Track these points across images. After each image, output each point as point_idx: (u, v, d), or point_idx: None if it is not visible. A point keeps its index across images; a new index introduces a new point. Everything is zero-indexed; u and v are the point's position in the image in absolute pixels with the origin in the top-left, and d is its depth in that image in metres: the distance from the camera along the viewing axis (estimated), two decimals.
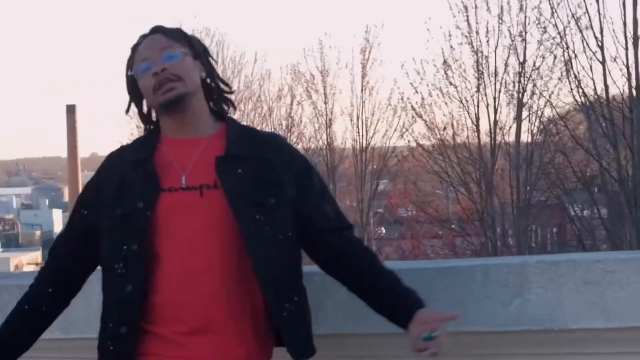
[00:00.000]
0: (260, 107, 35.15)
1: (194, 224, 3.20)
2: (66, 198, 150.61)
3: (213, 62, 3.45)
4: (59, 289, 3.41)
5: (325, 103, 34.54)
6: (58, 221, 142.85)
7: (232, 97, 3.50)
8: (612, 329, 3.45)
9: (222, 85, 3.44)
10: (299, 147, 34.50)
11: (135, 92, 3.40)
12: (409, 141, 31.87)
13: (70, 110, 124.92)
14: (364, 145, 35.14)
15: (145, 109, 3.45)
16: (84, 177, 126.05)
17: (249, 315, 3.23)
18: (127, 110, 3.49)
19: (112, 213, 3.27)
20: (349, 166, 36.80)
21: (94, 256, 3.34)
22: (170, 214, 3.22)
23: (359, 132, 34.71)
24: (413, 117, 30.52)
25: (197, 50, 3.39)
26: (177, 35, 3.37)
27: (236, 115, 35.08)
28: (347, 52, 51.70)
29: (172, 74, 3.25)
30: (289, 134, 34.02)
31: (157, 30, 3.40)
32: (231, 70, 35.98)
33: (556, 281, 3.44)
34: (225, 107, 3.44)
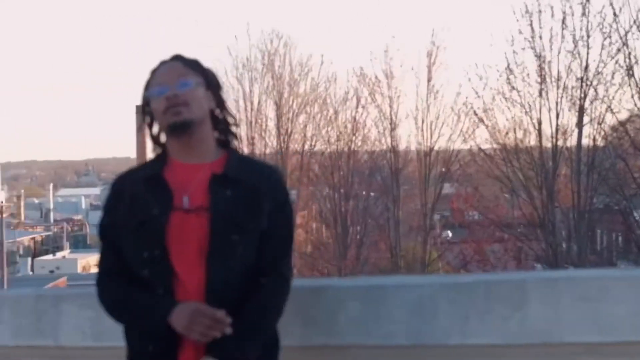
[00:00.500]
0: (326, 109, 35.29)
1: (188, 244, 3.40)
2: None
3: (224, 95, 3.64)
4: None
5: (390, 106, 34.62)
6: None
7: (237, 130, 3.69)
8: (607, 344, 3.63)
9: (229, 118, 3.62)
10: (363, 149, 34.74)
11: (148, 113, 3.60)
12: (471, 146, 31.91)
13: (139, 111, 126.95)
14: (428, 148, 35.17)
15: (155, 130, 3.62)
16: None
17: None
18: (139, 128, 3.67)
19: (128, 225, 3.46)
20: (413, 169, 36.86)
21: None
22: (174, 231, 3.41)
23: (423, 136, 34.76)
24: (475, 122, 30.53)
25: (211, 82, 3.58)
26: (193, 65, 3.57)
27: (302, 118, 35.43)
28: (413, 56, 51.64)
29: (182, 100, 3.45)
30: (353, 137, 34.14)
31: (177, 58, 3.60)
32: (298, 73, 36.10)
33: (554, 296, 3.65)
34: (230, 138, 3.61)
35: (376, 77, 33.83)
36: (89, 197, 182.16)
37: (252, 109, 35.67)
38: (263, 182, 3.50)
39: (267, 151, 35.88)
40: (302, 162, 35.18)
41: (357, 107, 33.97)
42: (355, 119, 33.87)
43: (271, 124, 35.72)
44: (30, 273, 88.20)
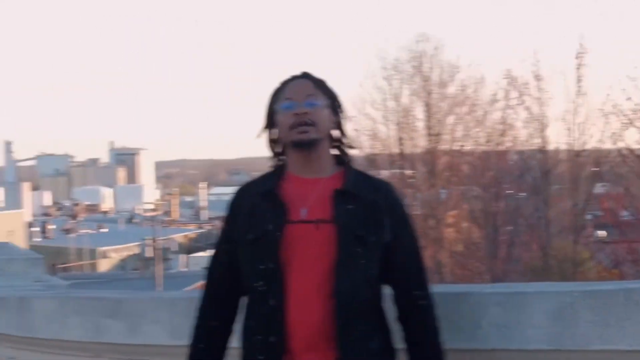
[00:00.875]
0: (475, 111, 35.34)
1: (309, 254, 3.58)
2: None
3: (345, 117, 3.83)
4: (222, 322, 3.82)
5: (539, 107, 34.48)
6: None
7: (353, 150, 3.86)
8: None
9: (347, 139, 3.82)
10: (513, 150, 34.61)
11: (271, 122, 3.80)
12: (620, 147, 31.49)
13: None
14: (579, 149, 34.87)
15: (273, 138, 3.83)
16: None
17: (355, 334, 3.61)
18: (259, 135, 3.86)
19: (245, 238, 3.66)
20: (563, 170, 36.58)
21: (241, 283, 3.75)
22: (291, 242, 3.59)
23: (572, 137, 34.50)
24: (625, 123, 30.13)
25: (335, 104, 3.79)
26: (322, 86, 3.78)
27: (451, 119, 35.54)
28: (562, 57, 51.00)
29: (310, 119, 3.66)
30: (502, 138, 34.09)
31: (307, 76, 3.80)
32: (447, 74, 36.25)
33: None
34: (346, 155, 3.82)
35: (525, 79, 33.73)
36: None
37: (400, 109, 35.97)
38: (381, 197, 3.68)
39: (417, 151, 36.17)
40: (451, 162, 35.36)
41: (506, 108, 33.95)
42: (504, 120, 33.84)
43: (420, 125, 35.97)
44: (184, 269, 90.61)
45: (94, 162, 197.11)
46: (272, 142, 3.84)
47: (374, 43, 38.59)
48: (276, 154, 3.84)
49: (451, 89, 35.95)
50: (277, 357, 3.59)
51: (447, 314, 3.94)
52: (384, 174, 36.60)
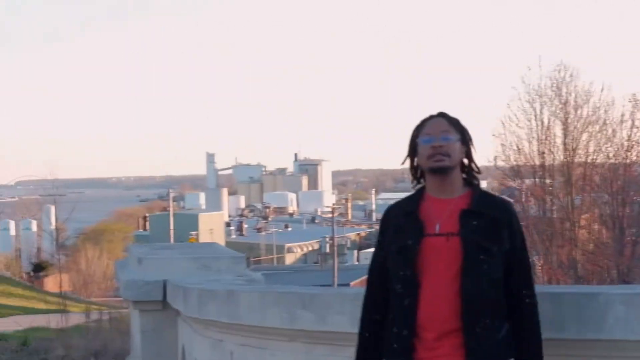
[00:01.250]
0: (605, 129, 35.48)
1: (441, 261, 3.80)
2: None
3: (473, 149, 4.04)
4: (382, 314, 3.99)
5: None
6: None
7: (478, 174, 4.07)
8: None
9: (474, 166, 4.02)
10: (638, 163, 34.63)
11: (413, 152, 4.01)
12: None
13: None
14: None
15: (414, 165, 4.04)
16: None
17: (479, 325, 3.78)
18: (403, 162, 4.07)
19: (391, 249, 3.91)
20: None
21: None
22: (427, 252, 3.81)
23: None
24: None
25: (465, 138, 3.99)
26: (455, 123, 3.98)
27: (585, 136, 35.79)
28: None
29: (445, 151, 3.87)
30: (628, 153, 34.11)
31: (442, 115, 4.00)
32: (581, 98, 36.56)
33: None
34: (472, 179, 4.03)
35: None
36: None
37: (541, 127, 36.53)
38: (500, 214, 3.87)
39: (555, 163, 36.67)
40: (585, 173, 35.67)
41: (631, 127, 33.98)
42: (630, 137, 33.87)
43: (558, 141, 36.43)
44: (356, 263, 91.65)
45: (282, 171, 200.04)
46: (413, 168, 4.04)
47: (518, 70, 39.00)
48: (416, 178, 4.04)
49: (585, 110, 36.20)
50: (407, 347, 3.80)
51: (578, 309, 4.08)
52: (527, 183, 37.39)
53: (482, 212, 3.82)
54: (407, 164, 4.09)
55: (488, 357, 3.74)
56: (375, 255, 4.08)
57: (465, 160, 3.99)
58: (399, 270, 3.85)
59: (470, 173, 4.00)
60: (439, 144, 3.86)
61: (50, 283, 52.07)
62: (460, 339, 3.74)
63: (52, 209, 58.54)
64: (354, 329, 4.27)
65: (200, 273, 8.32)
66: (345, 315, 4.90)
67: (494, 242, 3.80)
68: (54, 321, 15.95)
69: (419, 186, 4.05)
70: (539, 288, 4.01)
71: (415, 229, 3.84)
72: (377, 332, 3.97)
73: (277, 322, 5.39)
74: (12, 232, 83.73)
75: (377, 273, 4.02)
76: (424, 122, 3.98)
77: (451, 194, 3.91)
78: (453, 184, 3.93)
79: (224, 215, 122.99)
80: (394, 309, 3.88)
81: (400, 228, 3.90)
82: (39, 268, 55.97)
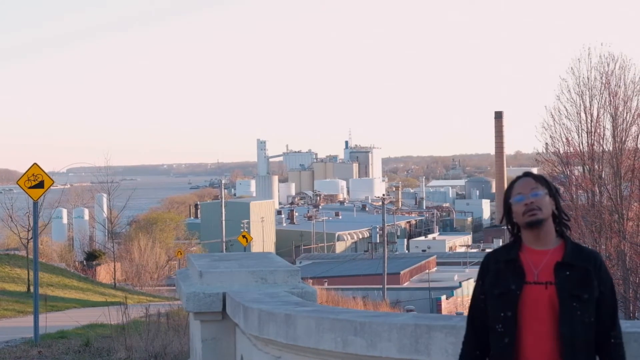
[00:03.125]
0: None
1: (539, 307, 4.13)
2: (493, 190, 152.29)
3: (560, 200, 4.34)
4: (482, 351, 4.30)
5: None
6: (486, 210, 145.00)
7: (569, 223, 4.35)
8: None
9: (563, 215, 4.30)
10: None
11: (508, 212, 4.32)
12: None
13: (498, 116, 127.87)
14: None
15: (512, 222, 4.32)
16: (508, 172, 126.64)
17: None
18: (501, 221, 4.41)
19: (492, 292, 4.22)
20: None
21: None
22: (527, 298, 4.14)
23: None
24: None
25: (552, 191, 4.29)
26: (541, 180, 4.30)
27: (634, 128, 35.87)
28: None
29: (536, 205, 4.19)
30: None
31: (528, 175, 4.33)
32: (631, 90, 36.62)
33: None
34: (564, 229, 4.29)
35: None
36: (455, 187, 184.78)
37: (591, 120, 36.67)
38: (590, 265, 4.18)
39: (604, 155, 36.81)
40: (634, 164, 35.77)
41: None
42: None
43: (607, 133, 36.61)
44: (406, 251, 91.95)
45: (333, 158, 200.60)
46: (511, 226, 4.35)
47: (569, 61, 38.92)
48: (513, 234, 4.35)
49: (634, 103, 36.33)
50: None
51: None
52: (575, 172, 37.53)
53: (574, 264, 4.16)
54: (504, 221, 4.39)
55: None
56: (476, 297, 4.37)
57: (556, 211, 4.30)
58: (499, 312, 4.17)
59: (561, 223, 4.31)
60: (530, 200, 4.21)
61: (103, 272, 52.83)
62: None
63: (105, 197, 59.24)
64: (401, 354, 4.48)
65: (257, 285, 8.79)
66: (392, 343, 5.29)
67: (585, 291, 4.13)
68: (112, 315, 16.44)
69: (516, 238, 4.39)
70: (630, 326, 4.47)
71: (517, 276, 4.18)
72: None
73: (330, 345, 5.75)
74: (65, 220, 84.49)
75: (479, 314, 4.32)
76: (512, 184, 4.34)
77: (546, 245, 4.24)
78: (547, 235, 4.25)
79: (275, 202, 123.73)
80: (493, 347, 4.22)
81: (502, 273, 4.23)
82: (92, 257, 56.62)
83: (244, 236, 56.83)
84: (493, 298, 4.20)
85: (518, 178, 4.32)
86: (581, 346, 4.07)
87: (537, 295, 4.12)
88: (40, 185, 17.97)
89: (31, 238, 28.08)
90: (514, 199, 4.24)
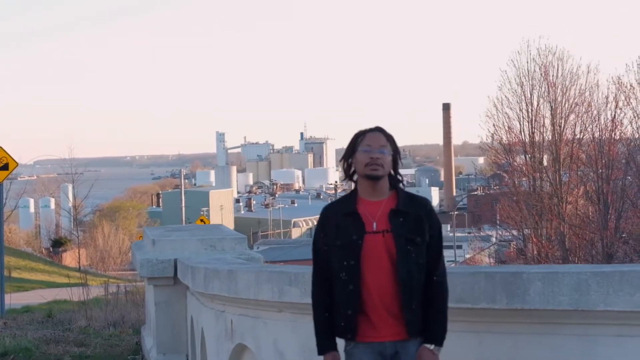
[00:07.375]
0: (591, 110, 36.15)
1: (379, 254, 4.31)
2: (442, 178, 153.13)
3: (399, 159, 4.46)
4: (331, 298, 4.43)
5: None
6: (435, 197, 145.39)
7: (400, 180, 4.49)
8: None
9: (398, 177, 4.45)
10: (621, 142, 35.28)
11: (350, 155, 4.41)
12: None
13: (446, 108, 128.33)
14: None
15: (349, 165, 4.44)
16: (456, 162, 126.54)
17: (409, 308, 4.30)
18: (341, 160, 4.47)
19: (335, 244, 4.35)
20: None
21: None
22: (368, 247, 4.30)
23: None
24: None
25: (395, 151, 4.41)
26: (389, 139, 4.42)
27: (572, 117, 36.45)
28: None
29: (380, 162, 4.32)
30: (612, 133, 34.74)
31: (380, 130, 4.42)
32: (569, 80, 37.16)
33: None
34: (397, 182, 4.46)
35: (631, 85, 34.39)
36: (406, 176, 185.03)
37: (531, 110, 37.22)
38: (422, 211, 4.38)
39: (544, 143, 37.38)
40: (572, 151, 36.34)
41: (615, 108, 34.66)
42: (614, 118, 34.54)
43: (547, 122, 37.15)
44: None
45: (289, 149, 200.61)
46: (348, 168, 4.47)
47: (509, 54, 39.42)
48: (347, 175, 4.47)
49: (572, 92, 36.88)
50: (352, 324, 4.32)
51: (508, 285, 4.48)
52: (518, 160, 38.04)
53: (406, 211, 4.34)
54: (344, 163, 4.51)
55: (420, 329, 4.34)
56: (319, 248, 4.48)
57: (392, 172, 4.44)
58: (343, 261, 4.31)
59: (394, 179, 4.45)
60: (376, 155, 4.33)
61: (69, 258, 52.80)
62: (399, 316, 4.30)
63: (70, 187, 59.19)
64: None
65: (207, 252, 9.00)
66: None
67: (418, 235, 4.32)
68: (75, 294, 16.63)
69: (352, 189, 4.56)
70: (479, 268, 4.58)
71: (359, 226, 4.32)
72: (331, 314, 4.42)
73: (268, 295, 5.97)
74: (32, 209, 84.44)
75: (323, 264, 4.45)
76: (364, 133, 4.41)
77: (380, 196, 4.39)
78: (382, 187, 4.40)
79: (234, 192, 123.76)
80: (338, 294, 4.35)
81: (342, 225, 4.35)
82: (58, 244, 56.60)
83: (202, 220, 56.76)
84: (336, 248, 4.32)
85: (370, 130, 4.40)
86: (417, 286, 4.27)
87: (376, 243, 4.28)
88: (5, 167, 17.94)
89: None
90: (362, 148, 4.34)
